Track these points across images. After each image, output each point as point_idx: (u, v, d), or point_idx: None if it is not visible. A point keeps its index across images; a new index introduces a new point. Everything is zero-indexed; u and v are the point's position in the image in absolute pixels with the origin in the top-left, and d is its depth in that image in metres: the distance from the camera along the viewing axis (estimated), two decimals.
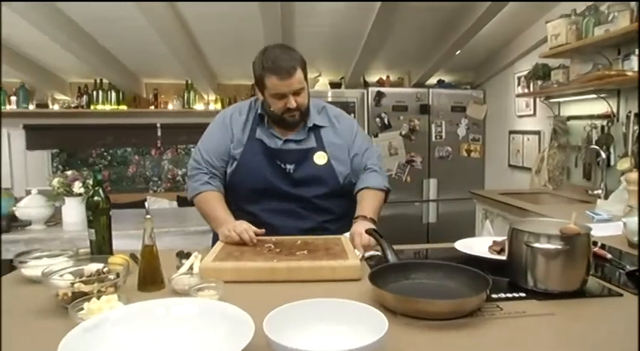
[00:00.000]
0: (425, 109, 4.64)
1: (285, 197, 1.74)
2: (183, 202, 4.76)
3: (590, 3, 2.92)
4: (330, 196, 1.78)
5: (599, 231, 1.67)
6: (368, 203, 1.72)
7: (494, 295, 1.16)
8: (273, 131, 1.76)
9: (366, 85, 4.80)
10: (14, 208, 2.69)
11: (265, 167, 1.74)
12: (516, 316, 1.06)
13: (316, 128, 1.79)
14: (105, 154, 5.61)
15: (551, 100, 3.63)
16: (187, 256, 1.44)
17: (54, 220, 2.81)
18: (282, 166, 1.74)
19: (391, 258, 1.34)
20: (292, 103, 1.65)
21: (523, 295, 1.18)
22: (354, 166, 1.83)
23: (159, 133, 5.08)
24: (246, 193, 1.77)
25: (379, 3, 3.29)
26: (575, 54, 3.11)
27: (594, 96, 3.07)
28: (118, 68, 4.48)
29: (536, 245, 1.18)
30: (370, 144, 1.91)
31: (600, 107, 3.09)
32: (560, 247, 1.16)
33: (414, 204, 4.72)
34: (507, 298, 1.16)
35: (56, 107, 4.75)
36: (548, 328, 1.02)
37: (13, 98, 4.60)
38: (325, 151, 1.77)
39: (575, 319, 1.06)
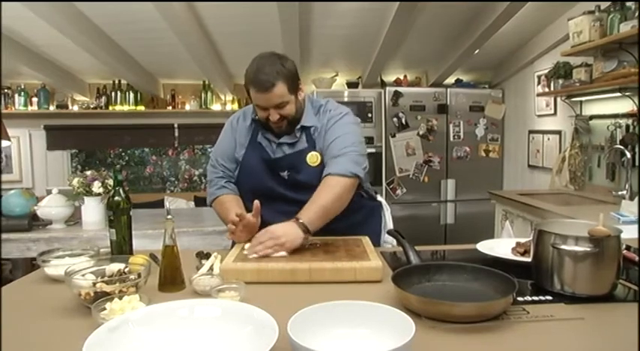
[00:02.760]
0: (443, 109, 4.59)
1: (285, 200, 1.73)
2: (200, 202, 4.79)
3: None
4: None
5: (626, 233, 1.62)
6: (315, 201, 1.55)
7: (519, 298, 1.13)
8: (268, 135, 1.75)
9: (384, 84, 4.76)
10: (35, 208, 2.73)
11: (264, 172, 1.74)
12: (544, 319, 1.03)
13: (307, 128, 1.75)
14: (123, 154, 5.68)
15: (573, 99, 3.56)
16: (207, 256, 1.44)
17: (73, 219, 2.84)
18: (279, 173, 1.74)
19: (414, 259, 1.32)
20: (274, 116, 1.64)
21: (549, 298, 1.15)
22: (325, 157, 1.69)
23: (176, 134, 5.11)
24: (251, 194, 1.76)
25: (397, 3, 3.26)
26: (598, 51, 3.04)
27: (619, 94, 3.00)
28: (136, 69, 4.52)
29: (564, 247, 1.14)
30: (350, 131, 1.73)
31: (625, 106, 3.02)
32: (589, 249, 1.12)
33: (431, 204, 4.67)
34: (533, 301, 1.13)
35: (75, 108, 4.82)
36: (578, 332, 0.99)
37: (35, 99, 4.68)
38: (317, 151, 1.73)
39: (605, 324, 1.03)
